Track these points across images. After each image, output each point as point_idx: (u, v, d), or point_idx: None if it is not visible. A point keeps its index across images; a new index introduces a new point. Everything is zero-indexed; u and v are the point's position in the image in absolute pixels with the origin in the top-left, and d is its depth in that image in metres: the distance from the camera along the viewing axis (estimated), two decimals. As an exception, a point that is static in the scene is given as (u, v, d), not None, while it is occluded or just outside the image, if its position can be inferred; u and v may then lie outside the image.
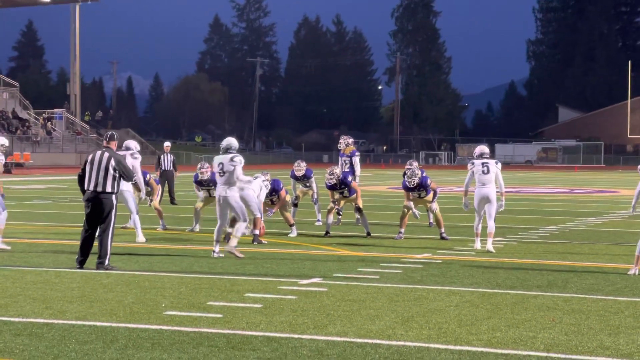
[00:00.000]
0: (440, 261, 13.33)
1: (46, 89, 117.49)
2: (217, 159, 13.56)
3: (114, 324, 8.38)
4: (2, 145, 16.46)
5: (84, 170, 12.28)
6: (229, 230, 15.77)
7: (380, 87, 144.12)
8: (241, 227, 13.40)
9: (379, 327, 8.36)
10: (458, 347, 7.60)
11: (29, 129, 72.10)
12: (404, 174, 17.11)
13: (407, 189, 16.65)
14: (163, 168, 25.68)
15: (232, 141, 13.73)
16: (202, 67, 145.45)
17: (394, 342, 7.74)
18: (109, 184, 12.16)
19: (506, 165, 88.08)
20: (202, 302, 9.54)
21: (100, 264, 12.09)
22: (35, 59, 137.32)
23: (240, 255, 13.18)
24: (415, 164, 17.50)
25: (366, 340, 7.79)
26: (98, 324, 8.40)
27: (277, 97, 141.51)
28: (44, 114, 76.59)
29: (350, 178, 17.16)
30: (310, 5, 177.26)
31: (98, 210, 12.16)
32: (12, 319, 8.57)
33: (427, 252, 14.42)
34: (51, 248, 14.65)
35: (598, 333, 8.26)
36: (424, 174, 16.86)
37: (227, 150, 13.60)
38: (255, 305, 9.38)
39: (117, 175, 12.23)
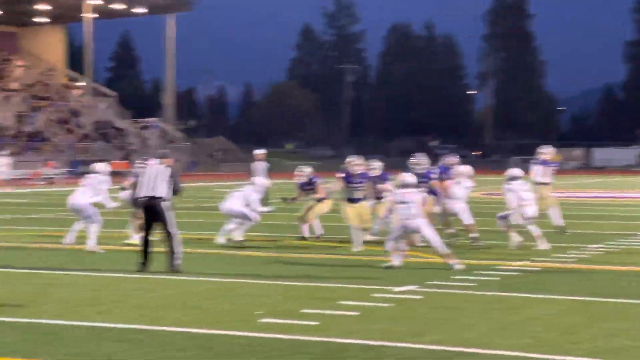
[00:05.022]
0: (537, 269, 13.10)
1: (141, 99, 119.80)
2: None
3: (210, 331, 8.45)
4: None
5: (138, 181, 13.23)
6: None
7: (472, 92, 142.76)
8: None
9: (475, 336, 8.25)
10: (558, 357, 7.43)
11: (125, 137, 73.64)
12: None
13: None
14: (256, 175, 25.84)
15: None
16: (293, 74, 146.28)
17: (491, 351, 7.62)
18: (161, 190, 12.87)
19: (604, 170, 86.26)
20: (297, 310, 9.55)
21: (173, 267, 12.48)
22: (131, 69, 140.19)
23: None
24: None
25: (463, 349, 7.69)
26: (195, 331, 8.48)
27: (368, 103, 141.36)
28: (139, 123, 78.12)
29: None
30: (400, 11, 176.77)
31: (151, 213, 12.83)
32: (113, 325, 8.72)
33: (524, 259, 14.19)
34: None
35: None
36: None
37: None
38: (351, 313, 9.35)
39: (170, 183, 12.94)
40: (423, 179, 15.00)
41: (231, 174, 67.20)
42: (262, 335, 8.27)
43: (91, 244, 15.20)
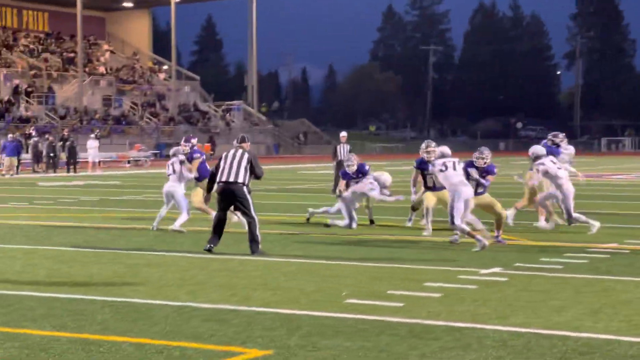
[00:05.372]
0: (628, 251, 12.84)
1: (224, 82, 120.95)
2: None
3: (296, 312, 8.50)
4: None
5: (217, 166, 13.01)
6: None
7: (559, 73, 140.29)
8: None
9: (565, 319, 8.12)
10: (651, 341, 7.27)
11: (209, 120, 74.44)
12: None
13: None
14: (340, 158, 25.89)
15: None
16: (376, 56, 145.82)
17: (582, 334, 7.49)
18: (241, 175, 12.76)
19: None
20: (382, 291, 9.54)
21: (254, 252, 12.56)
22: (214, 52, 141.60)
23: None
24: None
25: (552, 332, 7.57)
26: (281, 311, 8.54)
27: (451, 84, 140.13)
28: (222, 106, 78.87)
29: None
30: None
31: (230, 199, 12.79)
32: (200, 305, 8.84)
33: (614, 241, 13.91)
34: (232, 237, 15.00)
35: None
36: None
37: None
38: (436, 295, 9.30)
39: (249, 169, 12.84)
40: (484, 173, 14.20)
41: (314, 156, 67.45)
42: (347, 315, 8.28)
43: (177, 224, 15.39)
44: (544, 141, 16.61)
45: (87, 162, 44.46)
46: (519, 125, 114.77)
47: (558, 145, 16.42)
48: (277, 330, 7.67)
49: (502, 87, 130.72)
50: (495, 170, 14.52)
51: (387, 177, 16.61)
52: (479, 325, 7.83)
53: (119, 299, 9.14)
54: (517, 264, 11.50)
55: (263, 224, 16.63)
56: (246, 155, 12.94)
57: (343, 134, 27.08)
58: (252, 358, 6.73)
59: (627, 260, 11.94)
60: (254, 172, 12.97)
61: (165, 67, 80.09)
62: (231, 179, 12.77)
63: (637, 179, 32.46)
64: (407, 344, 7.17)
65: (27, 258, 12.27)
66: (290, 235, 15.25)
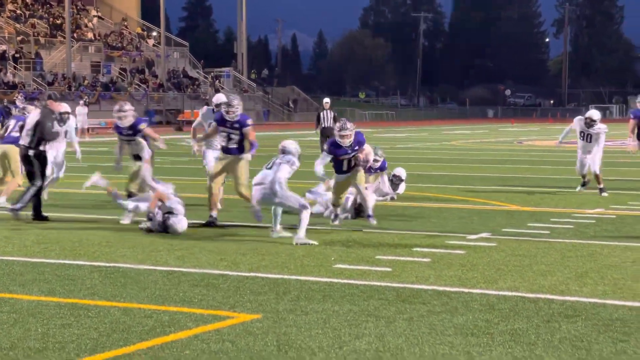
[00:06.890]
0: (614, 216, 12.92)
1: (214, 48, 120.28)
2: None
3: (285, 276, 8.54)
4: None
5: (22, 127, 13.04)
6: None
7: (547, 40, 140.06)
8: None
9: (551, 283, 8.19)
10: (636, 304, 7.34)
11: (198, 87, 74.13)
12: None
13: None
14: (323, 125, 25.86)
15: None
16: (366, 22, 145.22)
17: (568, 298, 7.56)
18: (34, 140, 12.68)
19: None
20: (371, 256, 9.59)
21: (15, 212, 12.49)
22: (203, 18, 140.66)
23: None
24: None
25: (538, 295, 7.64)
26: (270, 275, 8.58)
27: (441, 52, 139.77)
28: (212, 73, 78.53)
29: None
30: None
31: (26, 163, 12.80)
32: (189, 270, 8.87)
33: (600, 207, 14.00)
34: (226, 203, 14.98)
35: None
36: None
37: None
38: (424, 260, 9.36)
39: (37, 132, 12.73)
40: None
41: (303, 123, 67.32)
42: (336, 280, 8.33)
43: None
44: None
45: (75, 128, 44.22)
46: (508, 92, 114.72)
47: None
48: (266, 295, 7.71)
49: (491, 54, 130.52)
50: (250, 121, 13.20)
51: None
52: (466, 290, 7.89)
53: (107, 264, 9.16)
54: (505, 230, 11.57)
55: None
56: (37, 118, 12.78)
57: (326, 100, 26.95)
58: (241, 322, 6.77)
59: (613, 225, 12.03)
60: (42, 136, 12.75)
61: (154, 33, 79.51)
62: (25, 143, 12.76)
63: (623, 145, 32.57)
64: (395, 308, 7.23)
65: (15, 224, 12.27)
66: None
